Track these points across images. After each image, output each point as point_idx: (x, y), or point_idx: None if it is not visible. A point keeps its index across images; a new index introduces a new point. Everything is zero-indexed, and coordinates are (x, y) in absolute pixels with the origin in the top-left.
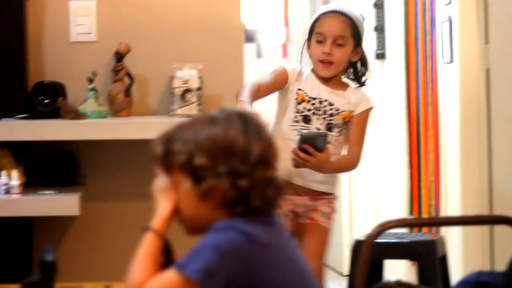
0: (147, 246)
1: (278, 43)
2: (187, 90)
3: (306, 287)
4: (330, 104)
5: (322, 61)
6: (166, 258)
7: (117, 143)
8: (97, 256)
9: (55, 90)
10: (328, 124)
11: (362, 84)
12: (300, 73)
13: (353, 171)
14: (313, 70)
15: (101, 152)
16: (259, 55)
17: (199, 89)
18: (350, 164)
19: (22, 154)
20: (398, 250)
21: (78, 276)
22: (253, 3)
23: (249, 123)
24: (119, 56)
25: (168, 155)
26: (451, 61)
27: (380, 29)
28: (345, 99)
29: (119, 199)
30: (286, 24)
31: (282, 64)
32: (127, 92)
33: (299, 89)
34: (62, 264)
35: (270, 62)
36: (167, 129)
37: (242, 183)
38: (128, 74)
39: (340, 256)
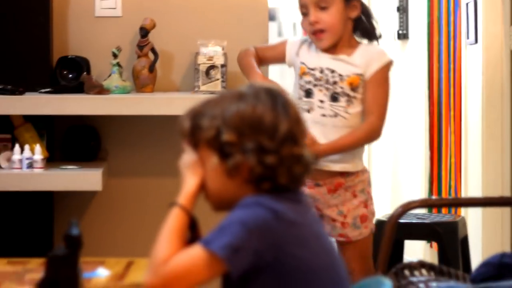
0: (173, 221)
1: (298, 22)
2: (212, 67)
3: (333, 265)
4: (332, 72)
5: (313, 33)
6: (192, 234)
7: (140, 119)
8: (119, 232)
9: (79, 65)
10: (333, 94)
11: (376, 38)
12: (301, 45)
13: (372, 151)
14: None
15: (124, 127)
16: (279, 33)
17: (223, 66)
18: (365, 137)
19: (45, 128)
20: (420, 231)
21: (100, 252)
22: None
23: (277, 99)
24: (144, 32)
25: (195, 130)
26: (476, 42)
27: (403, 9)
28: (349, 63)
29: (141, 175)
30: None
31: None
32: (152, 68)
33: (301, 62)
34: (83, 239)
35: None
36: (195, 104)
37: (269, 159)
38: (153, 50)
39: None
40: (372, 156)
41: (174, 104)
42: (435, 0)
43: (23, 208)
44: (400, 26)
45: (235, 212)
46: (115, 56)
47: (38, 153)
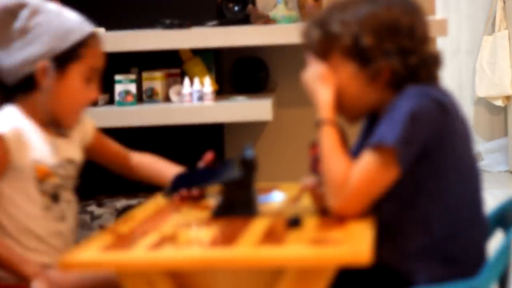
0: (330, 139)
1: None
2: None
3: (476, 164)
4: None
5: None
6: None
7: None
8: (291, 161)
9: None
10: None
11: None
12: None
13: None
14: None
15: (291, 57)
16: None
17: None
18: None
19: (213, 61)
20: None
21: (271, 178)
22: None
23: (407, 0)
24: None
25: (327, 38)
26: None
27: None
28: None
29: (311, 104)
30: None
31: None
32: None
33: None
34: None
35: None
36: (317, 13)
37: (412, 60)
38: None
39: None
40: None
41: None
42: None
43: (194, 141)
44: None
45: (402, 103)
46: None
47: (207, 85)
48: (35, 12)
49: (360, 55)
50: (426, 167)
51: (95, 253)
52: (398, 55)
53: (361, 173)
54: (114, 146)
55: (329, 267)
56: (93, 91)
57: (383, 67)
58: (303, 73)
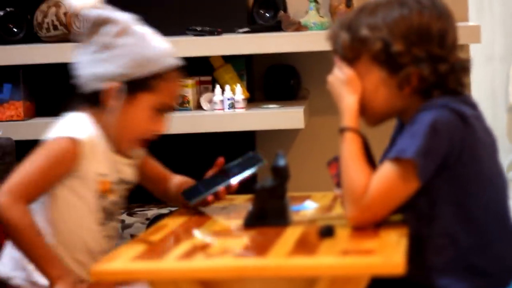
0: (353, 147)
1: None
2: None
3: (502, 173)
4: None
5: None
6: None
7: None
8: (323, 168)
9: (276, 4)
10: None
11: None
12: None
13: None
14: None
15: (323, 65)
16: None
17: None
18: None
19: (244, 69)
20: None
21: (304, 188)
22: None
23: (438, 5)
24: None
25: (355, 43)
26: None
27: None
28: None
29: None
30: None
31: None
32: (349, 3)
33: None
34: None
35: None
36: (345, 16)
37: (442, 68)
38: None
39: None
40: None
41: None
42: None
43: (225, 149)
44: None
45: (423, 115)
46: None
47: (239, 93)
48: (122, 32)
49: (389, 61)
50: (446, 178)
51: (126, 262)
52: (428, 62)
53: (379, 184)
54: (160, 169)
55: (363, 277)
56: (158, 124)
57: (412, 73)
58: (329, 75)
